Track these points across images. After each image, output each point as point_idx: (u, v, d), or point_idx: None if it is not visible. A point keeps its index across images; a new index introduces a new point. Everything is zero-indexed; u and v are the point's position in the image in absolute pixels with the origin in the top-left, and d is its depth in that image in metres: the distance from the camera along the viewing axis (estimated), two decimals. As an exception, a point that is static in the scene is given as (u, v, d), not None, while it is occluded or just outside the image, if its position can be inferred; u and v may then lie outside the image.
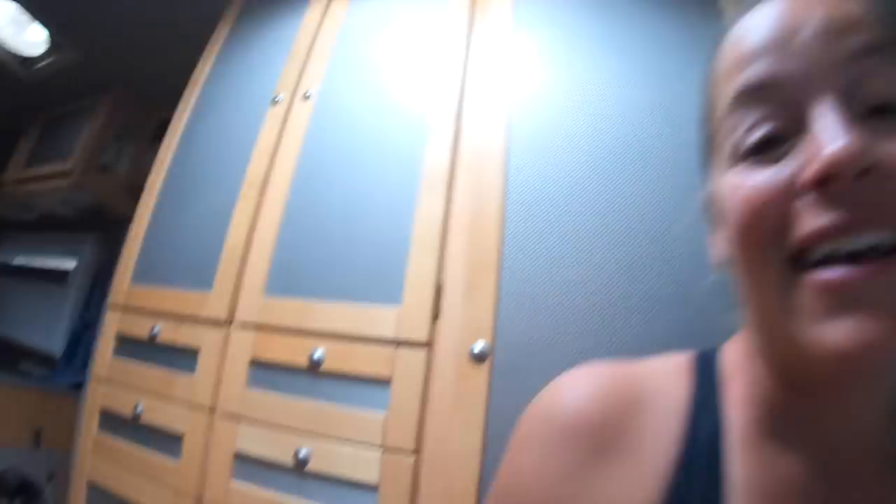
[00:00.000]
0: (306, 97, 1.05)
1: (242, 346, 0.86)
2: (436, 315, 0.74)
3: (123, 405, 0.95)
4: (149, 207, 1.16)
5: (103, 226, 2.31)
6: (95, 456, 0.96)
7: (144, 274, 1.07)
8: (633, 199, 0.72)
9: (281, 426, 0.78)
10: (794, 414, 0.35)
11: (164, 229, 1.11)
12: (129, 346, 1.02)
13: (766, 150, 0.33)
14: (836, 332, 0.28)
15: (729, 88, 0.35)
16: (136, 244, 1.11)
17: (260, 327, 0.86)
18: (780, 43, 0.33)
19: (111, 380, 1.00)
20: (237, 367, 0.85)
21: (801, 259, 0.30)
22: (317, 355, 0.78)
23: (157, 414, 0.90)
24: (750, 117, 0.33)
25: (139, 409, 0.92)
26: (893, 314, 0.27)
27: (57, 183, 2.17)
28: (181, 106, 1.28)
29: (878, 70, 0.31)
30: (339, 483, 0.71)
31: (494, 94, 0.86)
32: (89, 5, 1.74)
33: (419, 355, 0.71)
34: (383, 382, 0.73)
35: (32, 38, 1.95)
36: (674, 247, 0.68)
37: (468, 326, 0.71)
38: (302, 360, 0.79)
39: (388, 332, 0.75)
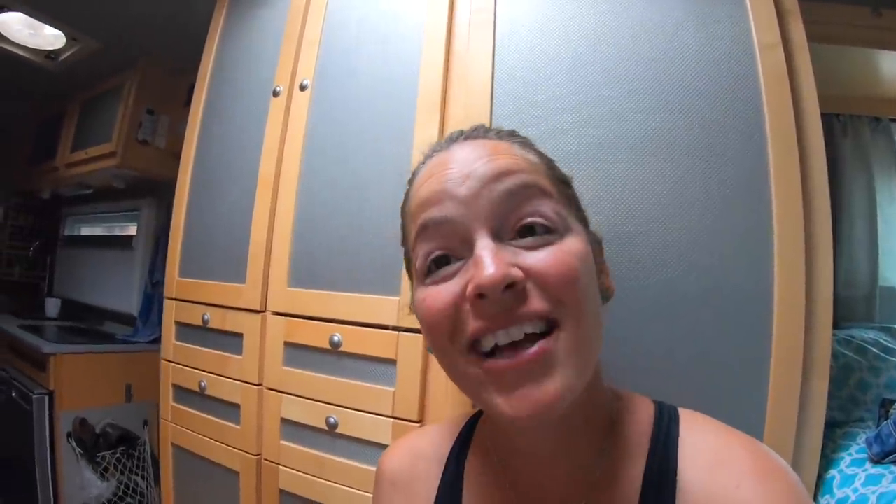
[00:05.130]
0: (303, 88, 1.11)
1: (276, 331, 1.01)
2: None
3: (190, 381, 1.15)
4: (183, 202, 1.29)
5: (156, 190, 2.51)
6: (175, 423, 1.18)
7: (189, 268, 1.23)
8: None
9: (314, 398, 0.94)
10: (507, 459, 0.52)
11: (198, 225, 1.24)
12: (187, 332, 1.20)
13: (442, 272, 0.44)
14: (507, 405, 0.41)
15: (415, 224, 0.47)
16: (178, 240, 1.26)
17: (288, 315, 1.00)
18: (450, 192, 0.44)
19: (177, 360, 1.20)
20: (275, 349, 1.01)
21: (476, 345, 0.42)
22: (336, 339, 0.92)
23: (218, 388, 1.09)
24: (430, 244, 0.45)
25: (203, 384, 1.11)
26: (544, 385, 0.40)
27: (104, 163, 2.35)
28: (198, 85, 1.35)
29: (522, 203, 0.43)
30: (363, 443, 0.88)
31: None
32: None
33: (417, 340, 0.83)
34: (391, 363, 0.86)
35: (51, 34, 2.04)
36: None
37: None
38: (324, 343, 0.94)
39: (391, 319, 0.87)
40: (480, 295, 0.40)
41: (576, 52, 0.84)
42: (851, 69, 1.72)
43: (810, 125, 0.79)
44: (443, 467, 0.57)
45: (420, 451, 0.60)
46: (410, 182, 0.52)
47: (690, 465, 0.45)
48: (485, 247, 0.42)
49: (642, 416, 0.50)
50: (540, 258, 0.42)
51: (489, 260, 0.40)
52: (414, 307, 0.49)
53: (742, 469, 0.42)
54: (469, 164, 0.45)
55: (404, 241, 0.53)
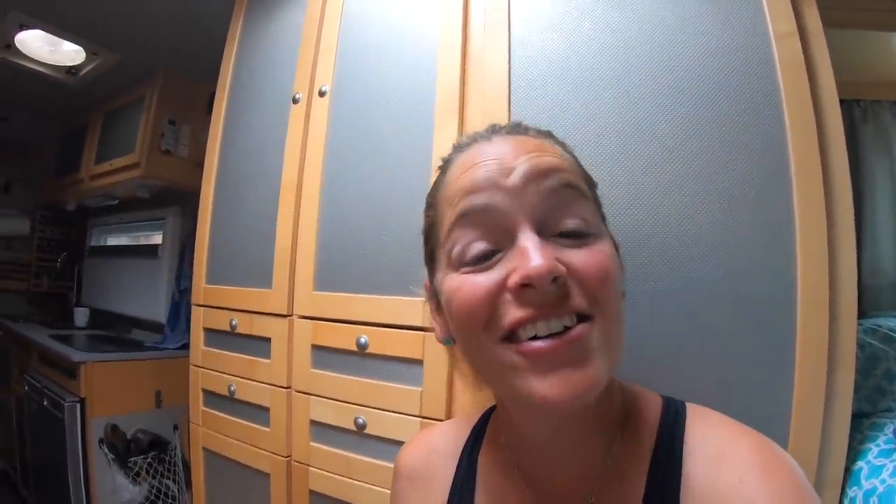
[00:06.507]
0: (322, 94, 1.13)
1: (304, 335, 1.03)
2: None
3: (219, 385, 1.17)
4: (208, 211, 1.32)
5: (180, 199, 2.55)
6: (205, 427, 1.21)
7: (215, 274, 1.26)
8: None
9: (342, 399, 0.96)
10: (518, 452, 0.53)
11: (223, 232, 1.27)
12: (216, 337, 1.22)
13: (480, 262, 0.45)
14: (545, 388, 0.41)
15: (453, 210, 0.47)
16: (204, 248, 1.29)
17: (315, 318, 1.02)
18: (495, 181, 0.45)
19: (206, 365, 1.22)
20: (302, 352, 1.03)
21: (512, 336, 0.43)
22: (362, 340, 0.94)
23: (247, 391, 1.12)
24: (469, 234, 0.46)
25: (232, 388, 1.14)
26: (584, 368, 0.41)
27: (128, 174, 2.40)
28: (218, 94, 1.37)
29: (564, 203, 0.45)
30: (391, 442, 0.90)
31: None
32: (101, 13, 1.85)
33: (443, 340, 0.85)
34: (417, 363, 0.88)
35: (71, 49, 2.09)
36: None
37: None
38: (351, 345, 0.95)
39: (416, 320, 0.88)
40: (524, 286, 0.41)
41: (590, 49, 0.84)
42: (869, 54, 1.69)
43: (829, 114, 0.79)
44: (457, 462, 0.59)
45: (435, 447, 0.62)
46: (444, 169, 0.52)
47: (694, 459, 0.45)
48: (530, 239, 0.43)
49: (650, 411, 0.51)
50: (580, 256, 0.43)
51: (536, 252, 0.41)
52: (441, 293, 0.49)
53: (745, 464, 0.42)
54: (514, 157, 0.46)
55: (428, 230, 0.54)
